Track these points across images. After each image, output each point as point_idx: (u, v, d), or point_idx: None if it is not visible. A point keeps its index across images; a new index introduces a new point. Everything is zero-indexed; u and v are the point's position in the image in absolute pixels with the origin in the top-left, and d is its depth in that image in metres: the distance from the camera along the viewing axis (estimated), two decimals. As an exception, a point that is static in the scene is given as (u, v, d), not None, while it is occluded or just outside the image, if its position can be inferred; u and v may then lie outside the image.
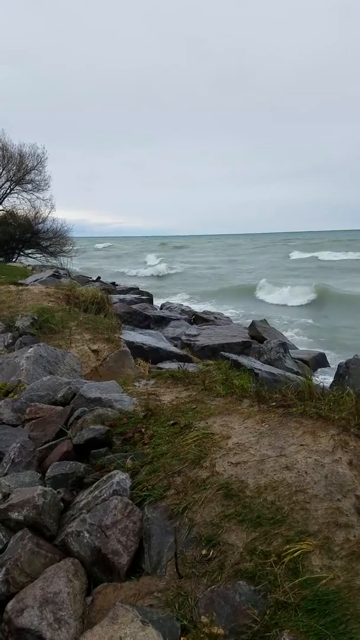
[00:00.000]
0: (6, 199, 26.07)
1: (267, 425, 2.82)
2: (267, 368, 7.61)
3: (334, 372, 8.39)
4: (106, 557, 2.11)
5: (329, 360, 10.24)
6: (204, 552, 2.02)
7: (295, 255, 52.68)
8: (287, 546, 1.90)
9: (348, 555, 1.85)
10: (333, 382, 7.89)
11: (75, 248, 27.29)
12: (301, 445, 2.54)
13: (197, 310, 15.89)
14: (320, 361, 9.88)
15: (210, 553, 2.01)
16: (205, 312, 15.27)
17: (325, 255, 48.43)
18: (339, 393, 3.10)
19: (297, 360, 9.40)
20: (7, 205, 26.28)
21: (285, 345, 9.31)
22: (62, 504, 2.45)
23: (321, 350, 10.73)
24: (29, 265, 22.94)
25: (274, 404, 3.08)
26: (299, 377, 6.99)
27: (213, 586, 1.86)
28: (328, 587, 1.73)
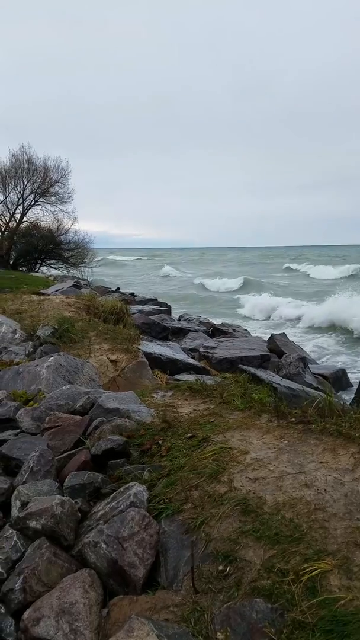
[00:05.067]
0: (30, 210, 26.60)
1: (286, 441, 2.80)
2: (286, 383, 7.53)
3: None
4: (122, 569, 2.11)
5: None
6: (220, 567, 2.01)
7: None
8: (305, 565, 1.88)
9: (368, 576, 1.82)
10: (354, 398, 7.78)
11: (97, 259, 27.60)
12: (321, 462, 2.51)
13: (215, 322, 15.86)
14: (340, 378, 9.74)
15: (227, 569, 1.99)
16: (223, 324, 15.23)
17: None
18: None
19: (317, 376, 9.30)
20: (31, 217, 26.81)
21: (304, 360, 9.22)
22: (79, 514, 2.46)
23: (342, 367, 10.59)
24: (50, 276, 23.28)
25: (293, 419, 3.06)
26: (318, 392, 6.91)
27: (229, 603, 1.85)
28: (347, 608, 1.70)
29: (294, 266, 51.85)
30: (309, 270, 46.42)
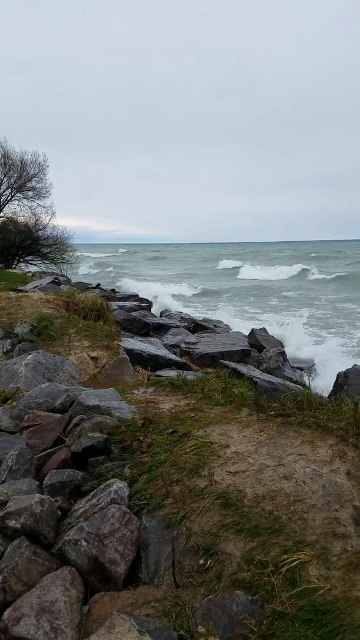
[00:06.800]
0: (7, 205, 26.21)
1: (265, 435, 2.82)
2: (266, 377, 7.60)
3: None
4: (103, 565, 2.11)
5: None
6: (201, 561, 2.02)
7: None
8: (285, 556, 1.90)
9: (345, 565, 1.85)
10: (332, 391, 7.89)
11: (76, 254, 27.43)
12: (299, 454, 2.54)
13: (196, 318, 15.90)
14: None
15: (208, 562, 2.01)
16: (204, 320, 15.27)
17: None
18: (337, 403, 3.10)
19: (296, 369, 9.41)
20: (7, 212, 26.42)
21: (284, 354, 9.32)
22: (59, 512, 2.44)
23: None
24: (28, 272, 22.98)
25: (272, 413, 3.09)
26: (298, 386, 6.99)
27: (210, 596, 1.86)
28: (325, 598, 1.72)
29: (231, 264, 54.00)
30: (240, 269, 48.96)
